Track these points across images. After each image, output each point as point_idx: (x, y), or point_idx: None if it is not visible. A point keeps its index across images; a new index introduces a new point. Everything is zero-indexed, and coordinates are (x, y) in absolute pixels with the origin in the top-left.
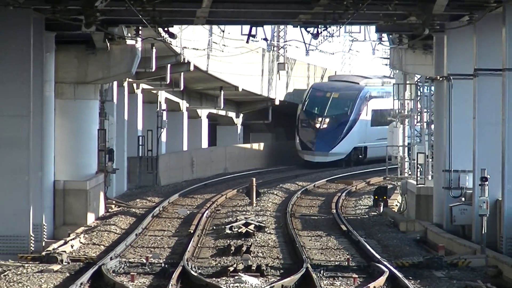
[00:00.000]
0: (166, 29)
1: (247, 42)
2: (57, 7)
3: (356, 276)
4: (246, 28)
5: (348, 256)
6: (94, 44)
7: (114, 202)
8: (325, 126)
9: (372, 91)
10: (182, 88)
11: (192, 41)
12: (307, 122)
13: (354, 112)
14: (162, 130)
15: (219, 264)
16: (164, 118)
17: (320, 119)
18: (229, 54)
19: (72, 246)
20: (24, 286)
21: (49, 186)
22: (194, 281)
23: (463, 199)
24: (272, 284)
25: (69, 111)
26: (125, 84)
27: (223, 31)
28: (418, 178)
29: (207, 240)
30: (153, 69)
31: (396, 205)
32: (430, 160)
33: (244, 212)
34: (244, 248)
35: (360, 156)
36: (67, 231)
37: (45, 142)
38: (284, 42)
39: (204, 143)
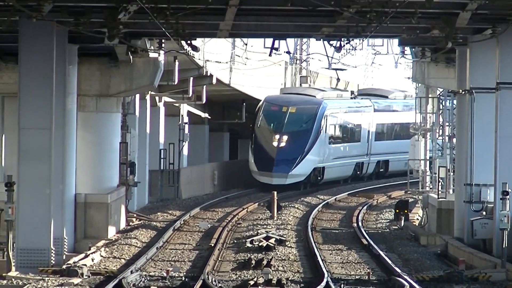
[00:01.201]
0: (189, 42)
1: (270, 55)
2: (80, 19)
3: None
4: (268, 41)
5: (368, 270)
6: (117, 57)
7: (135, 215)
8: (283, 144)
9: (330, 105)
10: (204, 101)
11: (214, 54)
12: (263, 140)
13: (315, 129)
14: (184, 143)
15: (239, 278)
16: (186, 131)
17: (277, 136)
18: (251, 67)
19: (92, 260)
20: None
21: (71, 199)
22: None
23: (484, 213)
24: None
25: (91, 124)
26: (148, 97)
27: (246, 44)
28: (440, 192)
29: (228, 254)
30: (176, 82)
31: (417, 219)
32: (452, 173)
33: (265, 226)
34: (264, 262)
35: (318, 178)
36: (88, 244)
37: (67, 155)
38: (307, 55)
39: (226, 156)
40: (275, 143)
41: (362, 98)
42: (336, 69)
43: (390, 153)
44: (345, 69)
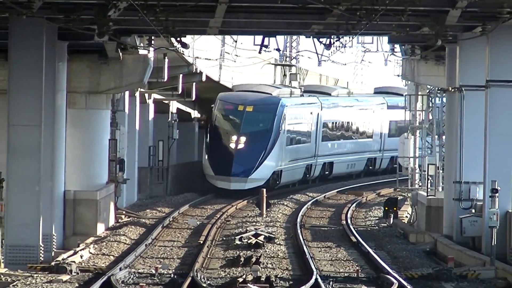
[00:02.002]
0: (178, 39)
1: (260, 52)
2: (70, 16)
3: (366, 287)
4: (258, 38)
5: (357, 268)
6: (107, 54)
7: (124, 212)
8: (241, 146)
9: (287, 104)
10: (194, 98)
11: (204, 51)
12: (219, 141)
13: (275, 129)
14: (173, 140)
15: (228, 275)
16: (176, 128)
17: (234, 137)
18: (241, 64)
19: (81, 257)
20: None
21: (60, 196)
22: None
23: (473, 210)
24: None
25: (80, 121)
26: (137, 94)
27: (236, 41)
28: (429, 190)
29: (217, 251)
30: (165, 79)
31: (406, 216)
32: (441, 171)
33: (254, 223)
34: (253, 259)
35: (277, 182)
36: (77, 241)
37: (56, 152)
38: (297, 52)
39: None
40: (232, 145)
41: (309, 96)
42: (283, 65)
43: (334, 154)
44: (294, 65)
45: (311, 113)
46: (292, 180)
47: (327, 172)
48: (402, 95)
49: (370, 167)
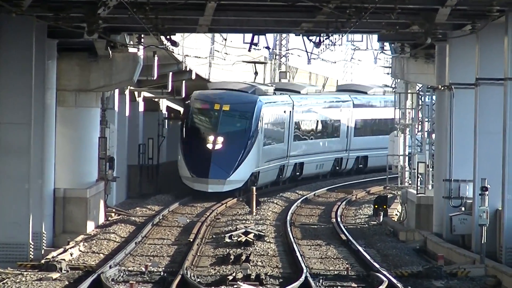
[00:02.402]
0: (168, 37)
1: (249, 50)
2: (59, 14)
3: (355, 285)
4: (248, 36)
5: (347, 265)
6: (96, 52)
7: (114, 210)
8: (219, 147)
9: (264, 102)
10: (183, 96)
11: (194, 49)
12: (195, 142)
13: (253, 129)
14: (163, 138)
15: (218, 273)
16: (165, 126)
17: (211, 138)
18: (230, 62)
19: (71, 254)
20: None
21: (49, 194)
22: None
23: (463, 208)
24: None
25: (70, 119)
26: (127, 92)
27: (225, 39)
28: (418, 188)
29: (207, 249)
30: (155, 77)
31: (396, 214)
32: (431, 169)
33: (244, 221)
34: (243, 257)
35: (255, 184)
36: (66, 239)
37: (46, 150)
38: (286, 50)
39: None
40: (209, 146)
41: (281, 94)
42: (254, 63)
43: (305, 155)
44: (266, 62)
45: (284, 111)
46: (268, 181)
47: (297, 173)
48: (366, 93)
49: (337, 168)
